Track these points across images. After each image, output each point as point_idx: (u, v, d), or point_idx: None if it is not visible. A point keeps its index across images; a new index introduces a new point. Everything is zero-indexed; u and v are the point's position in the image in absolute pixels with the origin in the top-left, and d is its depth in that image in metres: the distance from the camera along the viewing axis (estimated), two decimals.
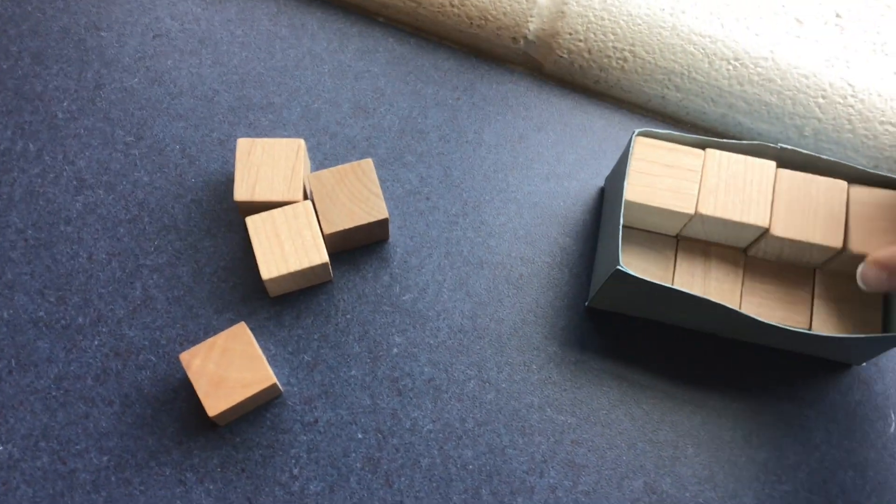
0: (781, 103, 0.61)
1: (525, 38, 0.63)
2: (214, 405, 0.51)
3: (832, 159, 0.54)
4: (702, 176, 0.53)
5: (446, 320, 0.58)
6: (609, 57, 0.62)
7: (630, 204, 0.53)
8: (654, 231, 0.57)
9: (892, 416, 0.58)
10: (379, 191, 0.56)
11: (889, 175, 0.54)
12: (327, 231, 0.55)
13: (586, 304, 0.59)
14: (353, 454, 0.54)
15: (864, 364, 0.59)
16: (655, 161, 0.54)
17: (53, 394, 0.54)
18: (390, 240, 0.59)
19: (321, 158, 0.61)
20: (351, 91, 0.63)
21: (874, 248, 0.53)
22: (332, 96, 0.62)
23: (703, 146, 0.54)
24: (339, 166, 0.56)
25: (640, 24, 0.60)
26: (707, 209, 0.53)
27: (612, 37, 0.61)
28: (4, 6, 0.63)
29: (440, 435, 0.55)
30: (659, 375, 0.58)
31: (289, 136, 0.61)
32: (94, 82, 0.62)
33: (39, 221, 0.58)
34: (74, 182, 0.59)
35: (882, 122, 0.60)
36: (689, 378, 0.58)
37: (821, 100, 0.60)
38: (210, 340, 0.52)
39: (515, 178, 0.62)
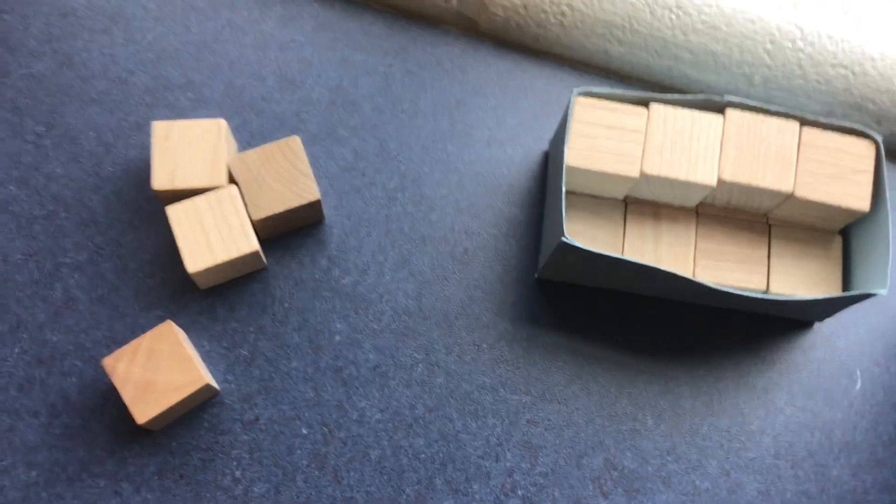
0: (728, 52, 0.58)
1: None
2: (143, 412, 0.48)
3: (781, 110, 0.51)
4: (646, 134, 0.50)
5: (390, 302, 0.55)
6: (546, 12, 0.58)
7: (572, 170, 0.50)
8: (601, 196, 0.54)
9: (858, 372, 0.56)
10: (309, 170, 0.53)
11: (840, 123, 0.51)
12: (255, 217, 0.51)
13: (536, 275, 0.56)
14: (299, 451, 0.51)
15: (825, 320, 0.57)
16: (596, 122, 0.50)
17: None
18: (326, 220, 0.56)
19: (248, 138, 0.57)
20: (276, 63, 0.59)
21: (822, 195, 0.50)
22: (255, 70, 0.58)
23: (646, 102, 0.51)
24: (265, 146, 0.53)
25: None
26: (652, 169, 0.50)
27: None
28: None
29: (389, 424, 0.52)
30: (614, 346, 0.55)
31: (211, 116, 0.57)
32: None
33: None
34: None
35: (834, 66, 0.57)
36: (645, 347, 0.55)
37: (769, 45, 0.57)
38: (135, 342, 0.49)
39: (455, 146, 0.58)
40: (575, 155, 0.50)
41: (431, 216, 0.57)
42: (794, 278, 0.53)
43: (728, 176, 0.50)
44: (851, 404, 0.55)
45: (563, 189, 0.49)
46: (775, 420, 0.55)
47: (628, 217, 0.54)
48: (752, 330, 0.56)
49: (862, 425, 0.55)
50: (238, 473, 0.51)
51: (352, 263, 0.55)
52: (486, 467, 0.52)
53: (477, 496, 0.52)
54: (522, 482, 0.52)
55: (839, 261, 0.54)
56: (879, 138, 0.51)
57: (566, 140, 0.50)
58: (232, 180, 0.53)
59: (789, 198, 0.51)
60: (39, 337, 0.52)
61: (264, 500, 0.50)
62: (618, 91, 0.51)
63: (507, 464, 0.52)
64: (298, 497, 0.50)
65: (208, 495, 0.50)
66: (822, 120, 0.51)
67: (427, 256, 0.56)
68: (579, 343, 0.55)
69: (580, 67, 0.61)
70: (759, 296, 0.49)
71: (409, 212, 0.57)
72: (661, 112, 0.51)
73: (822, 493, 0.53)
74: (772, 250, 0.54)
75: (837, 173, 0.51)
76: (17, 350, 0.52)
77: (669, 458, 0.53)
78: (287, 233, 0.55)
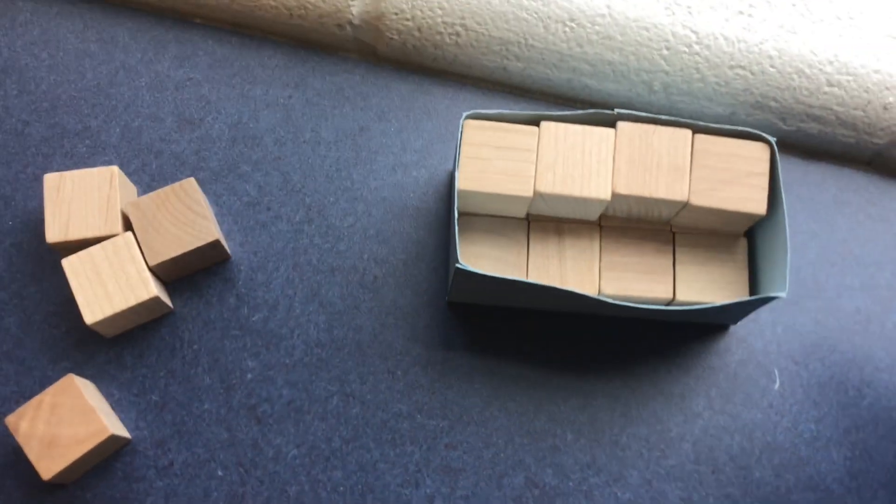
0: (625, 60, 0.58)
1: (350, 23, 0.58)
2: (48, 467, 0.47)
3: (672, 118, 0.51)
4: (538, 153, 0.50)
5: (301, 336, 0.55)
6: (441, 33, 0.58)
7: (465, 193, 0.50)
8: (502, 215, 0.54)
9: (776, 372, 0.56)
10: (205, 211, 0.52)
11: (734, 128, 0.51)
12: (153, 262, 0.51)
13: (447, 298, 0.56)
14: (215, 493, 0.51)
15: (741, 322, 0.57)
16: (487, 144, 0.50)
17: None
18: (232, 258, 0.56)
19: (148, 181, 0.57)
20: (173, 103, 0.58)
21: (717, 201, 0.50)
22: (152, 111, 0.58)
23: (537, 121, 0.51)
24: (159, 190, 0.52)
25: None
26: (545, 187, 0.50)
27: (439, 12, 0.57)
28: None
29: (306, 459, 0.52)
30: (530, 364, 0.55)
31: (109, 161, 0.56)
32: None
33: None
34: None
35: (732, 67, 0.57)
36: (561, 362, 0.55)
37: (665, 51, 0.57)
38: (37, 398, 0.48)
39: (360, 173, 0.58)
40: (467, 178, 0.50)
41: (339, 246, 0.56)
42: (700, 284, 0.53)
43: (622, 189, 0.50)
44: (771, 404, 0.55)
45: (456, 214, 0.48)
46: (694, 425, 0.55)
47: (531, 235, 0.53)
48: (666, 337, 0.56)
49: (783, 424, 0.55)
50: None
51: (261, 300, 0.55)
52: (406, 495, 0.52)
53: None
54: None
55: (744, 263, 0.54)
56: (773, 140, 0.51)
57: (457, 165, 0.50)
58: (129, 228, 0.52)
59: (686, 206, 0.51)
60: None
61: None
62: (507, 112, 0.51)
63: (428, 490, 0.52)
64: None
65: None
66: (715, 126, 0.51)
67: (337, 287, 0.56)
68: (494, 364, 0.55)
69: (482, 85, 0.61)
70: (663, 307, 0.49)
71: (316, 243, 0.56)
72: (551, 130, 0.50)
73: (746, 495, 0.53)
74: (676, 258, 0.53)
75: (732, 178, 0.51)
76: None
77: (590, 472, 0.53)
78: (192, 274, 0.55)
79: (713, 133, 0.51)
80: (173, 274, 0.53)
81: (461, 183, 0.50)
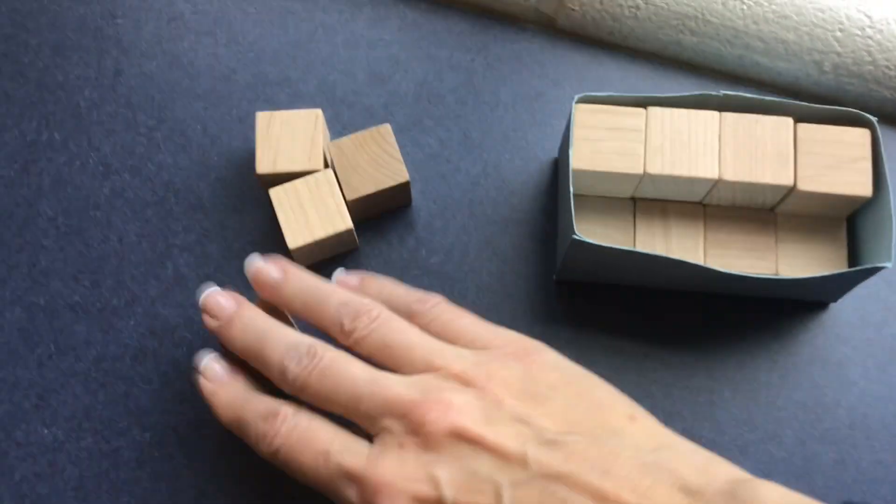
0: (799, 40, 0.60)
1: None
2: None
3: (776, 99, 0.53)
4: (646, 135, 0.53)
5: (474, 280, 0.58)
6: (621, 6, 0.61)
7: (579, 172, 0.53)
8: (608, 196, 0.56)
9: None
10: (399, 155, 0.56)
11: (835, 108, 0.53)
12: (350, 197, 0.55)
13: (554, 277, 0.58)
14: None
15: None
16: (598, 126, 0.53)
17: (93, 375, 0.55)
18: (413, 204, 0.60)
19: (340, 129, 0.61)
20: (365, 60, 0.63)
21: (824, 186, 0.52)
22: (346, 67, 0.63)
23: (644, 105, 0.54)
24: (358, 133, 0.57)
25: None
26: (655, 168, 0.52)
27: None
28: (22, 1, 0.64)
29: None
30: (685, 322, 0.57)
31: (307, 108, 0.61)
32: (114, 69, 0.62)
33: (69, 208, 0.59)
34: (101, 168, 0.60)
35: None
36: (720, 322, 0.57)
37: (838, 33, 0.59)
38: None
39: (535, 135, 0.62)
40: (580, 158, 0.53)
41: (513, 200, 0.60)
42: (801, 261, 0.55)
43: (729, 176, 0.52)
44: None
45: (571, 191, 0.51)
46: (849, 393, 0.56)
47: (637, 214, 0.56)
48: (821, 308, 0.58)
49: None
50: None
51: (438, 244, 0.59)
52: None
53: None
54: None
55: (844, 243, 0.56)
56: (874, 120, 0.53)
57: (571, 145, 0.53)
58: (327, 165, 0.57)
59: (792, 191, 0.53)
60: (152, 311, 0.57)
61: None
62: (615, 95, 0.53)
63: None
64: None
65: None
66: (817, 106, 0.53)
67: (509, 237, 0.59)
68: (655, 317, 0.57)
69: (654, 59, 0.64)
70: (771, 276, 0.51)
71: (491, 196, 0.60)
72: (657, 114, 0.53)
73: None
74: (778, 237, 0.55)
75: (836, 164, 0.52)
76: (132, 323, 0.56)
77: (745, 429, 0.55)
78: (378, 215, 0.59)
79: (814, 113, 0.53)
80: (363, 213, 0.58)
81: (575, 163, 0.52)
